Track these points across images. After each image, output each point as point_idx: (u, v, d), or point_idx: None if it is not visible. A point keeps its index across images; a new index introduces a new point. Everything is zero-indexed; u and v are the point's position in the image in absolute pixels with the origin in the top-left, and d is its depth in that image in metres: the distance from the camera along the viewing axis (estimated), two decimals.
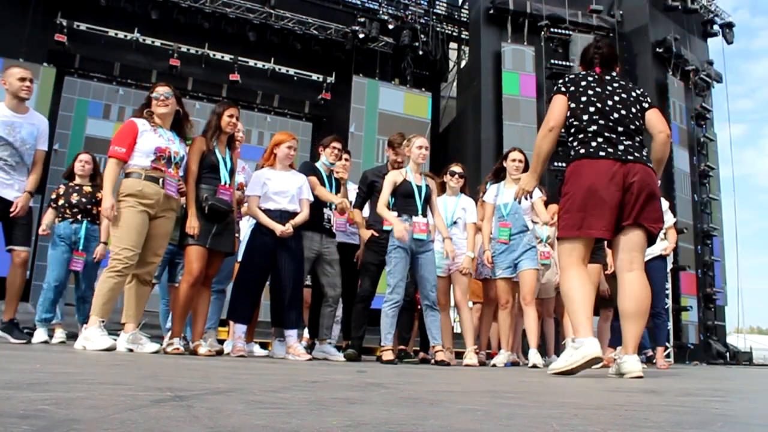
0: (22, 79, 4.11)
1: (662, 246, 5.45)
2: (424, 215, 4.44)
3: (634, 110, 2.93)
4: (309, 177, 4.55)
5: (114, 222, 3.70)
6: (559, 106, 2.99)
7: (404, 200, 4.39)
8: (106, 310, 3.67)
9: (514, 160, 4.87)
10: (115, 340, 3.66)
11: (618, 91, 2.96)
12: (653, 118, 2.98)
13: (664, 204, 5.61)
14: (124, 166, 3.80)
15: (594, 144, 2.84)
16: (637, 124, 2.92)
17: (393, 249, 4.32)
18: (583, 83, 2.99)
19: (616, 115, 2.88)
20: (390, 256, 4.34)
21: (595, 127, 2.87)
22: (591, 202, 2.78)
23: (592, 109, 2.90)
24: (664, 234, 5.57)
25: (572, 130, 2.96)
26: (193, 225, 3.84)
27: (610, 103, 2.91)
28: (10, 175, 4.10)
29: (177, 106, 3.99)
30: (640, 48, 13.55)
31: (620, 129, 2.86)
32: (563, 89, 3.02)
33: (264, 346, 5.13)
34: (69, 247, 5.11)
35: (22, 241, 4.19)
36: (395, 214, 4.34)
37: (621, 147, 2.82)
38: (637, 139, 2.90)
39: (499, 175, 5.03)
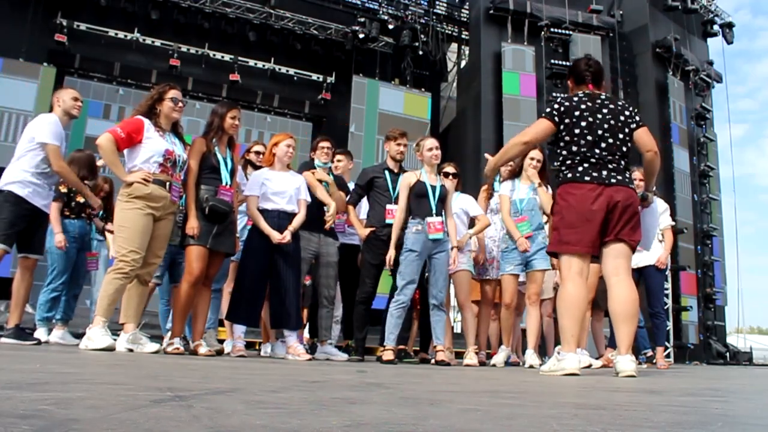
0: (75, 99, 4.32)
1: (656, 255, 5.43)
2: (439, 215, 4.36)
3: (621, 135, 3.13)
4: (305, 174, 4.54)
5: (119, 223, 3.70)
6: (541, 128, 3.23)
7: (417, 201, 4.37)
8: (111, 311, 3.68)
9: (533, 159, 4.82)
10: (115, 340, 3.66)
11: (608, 117, 3.13)
12: (642, 137, 3.19)
13: (663, 206, 5.62)
14: (128, 167, 3.79)
15: (580, 169, 3.08)
16: (624, 150, 3.15)
17: (407, 250, 4.29)
18: (577, 113, 3.14)
19: (603, 144, 3.09)
20: (403, 257, 4.31)
21: (582, 156, 3.09)
22: (576, 223, 3.03)
23: (583, 141, 3.10)
24: (661, 235, 5.56)
25: (561, 158, 3.18)
26: (192, 225, 3.84)
27: (599, 132, 3.10)
28: (44, 184, 4.14)
29: None
30: (640, 48, 13.55)
31: (608, 157, 3.08)
32: (556, 119, 3.18)
33: (251, 345, 5.12)
34: (77, 247, 5.07)
35: (38, 249, 4.26)
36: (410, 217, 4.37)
37: (605, 172, 3.06)
38: (622, 162, 3.14)
39: (515, 172, 4.99)
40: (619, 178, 3.06)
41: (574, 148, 3.09)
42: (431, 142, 4.53)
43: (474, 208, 4.98)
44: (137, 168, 3.75)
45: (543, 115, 3.26)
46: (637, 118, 3.19)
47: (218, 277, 4.42)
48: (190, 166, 3.94)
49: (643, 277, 5.45)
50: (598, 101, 3.16)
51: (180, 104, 3.93)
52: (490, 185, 5.32)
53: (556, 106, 3.20)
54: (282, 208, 4.24)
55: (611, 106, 3.16)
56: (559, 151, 3.18)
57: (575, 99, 3.18)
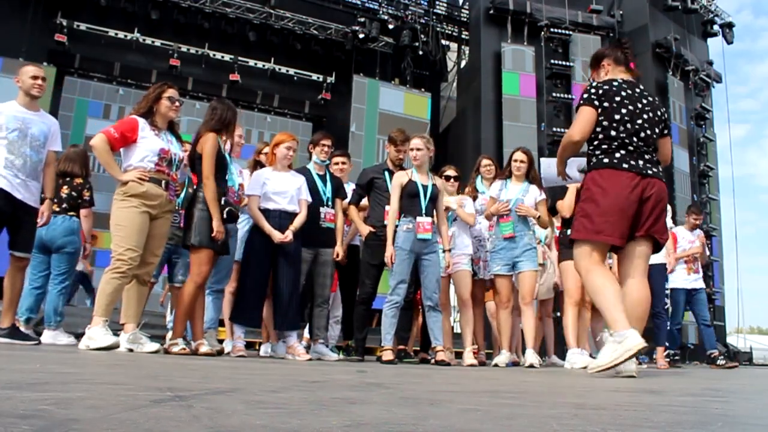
0: (35, 77, 4.12)
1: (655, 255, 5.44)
2: (429, 215, 4.36)
3: (657, 130, 3.08)
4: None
5: (115, 222, 3.70)
6: (587, 118, 3.03)
7: (409, 200, 4.36)
8: (110, 311, 3.67)
9: (516, 161, 4.86)
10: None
11: (647, 109, 3.06)
12: (662, 146, 3.14)
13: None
14: (124, 166, 3.79)
15: (618, 155, 2.96)
16: (655, 145, 3.09)
17: (397, 248, 4.28)
18: (617, 98, 3.03)
19: (643, 134, 3.01)
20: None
21: (620, 142, 2.98)
22: (611, 212, 2.90)
23: (622, 128, 2.99)
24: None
25: (596, 143, 3.04)
26: (220, 230, 3.83)
27: (639, 122, 3.01)
28: (20, 174, 4.02)
29: None
30: (640, 48, 13.53)
31: (644, 147, 3.00)
32: (596, 102, 3.03)
33: (251, 345, 5.10)
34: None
35: (27, 247, 4.12)
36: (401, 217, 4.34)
37: (641, 162, 2.96)
38: (654, 155, 3.06)
39: (506, 173, 5.01)
40: (654, 170, 2.99)
41: (613, 133, 2.97)
42: (415, 142, 4.49)
43: (468, 207, 5.01)
44: (133, 167, 3.74)
45: (582, 102, 3.08)
46: (668, 124, 3.16)
47: (221, 277, 4.41)
48: (209, 164, 3.84)
49: None
50: (638, 90, 3.09)
51: (177, 103, 3.91)
52: (472, 187, 5.31)
53: (593, 90, 3.07)
54: (283, 208, 4.24)
55: (650, 98, 3.11)
56: (593, 135, 3.04)
57: (615, 84, 3.07)
